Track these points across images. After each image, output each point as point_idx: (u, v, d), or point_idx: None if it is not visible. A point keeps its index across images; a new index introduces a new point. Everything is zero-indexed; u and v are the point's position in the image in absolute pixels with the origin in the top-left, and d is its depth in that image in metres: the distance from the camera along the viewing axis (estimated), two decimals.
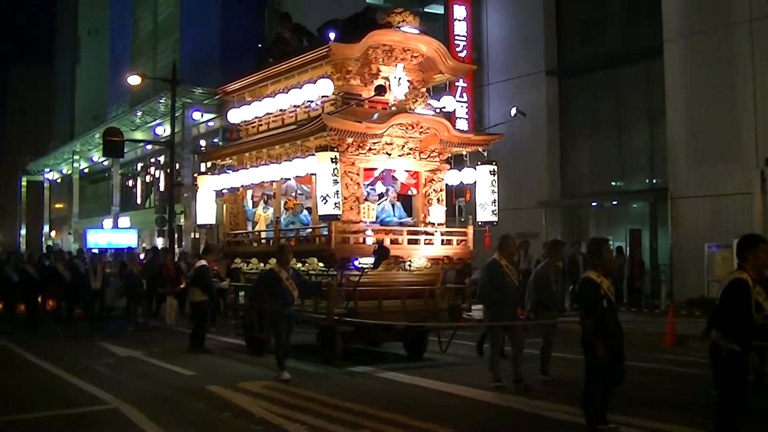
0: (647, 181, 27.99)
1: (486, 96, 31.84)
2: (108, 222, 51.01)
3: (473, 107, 30.50)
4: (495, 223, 14.63)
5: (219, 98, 40.08)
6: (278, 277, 12.59)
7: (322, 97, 14.00)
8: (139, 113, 44.79)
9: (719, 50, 23.36)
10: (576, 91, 29.95)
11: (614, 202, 29.18)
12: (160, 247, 31.87)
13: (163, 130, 42.83)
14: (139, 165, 53.65)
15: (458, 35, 30.50)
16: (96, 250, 30.10)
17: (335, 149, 13.15)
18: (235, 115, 16.22)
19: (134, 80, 35.46)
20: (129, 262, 21.16)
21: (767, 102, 22.20)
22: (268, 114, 15.46)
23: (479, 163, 14.74)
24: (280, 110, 15.07)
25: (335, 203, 13.03)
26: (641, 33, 27.24)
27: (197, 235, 43.08)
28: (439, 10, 33.68)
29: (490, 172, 14.62)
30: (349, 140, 13.57)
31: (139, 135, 45.41)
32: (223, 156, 16.42)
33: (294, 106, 14.66)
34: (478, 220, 14.66)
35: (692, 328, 17.10)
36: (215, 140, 42.74)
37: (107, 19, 64.88)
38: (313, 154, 13.41)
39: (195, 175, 41.56)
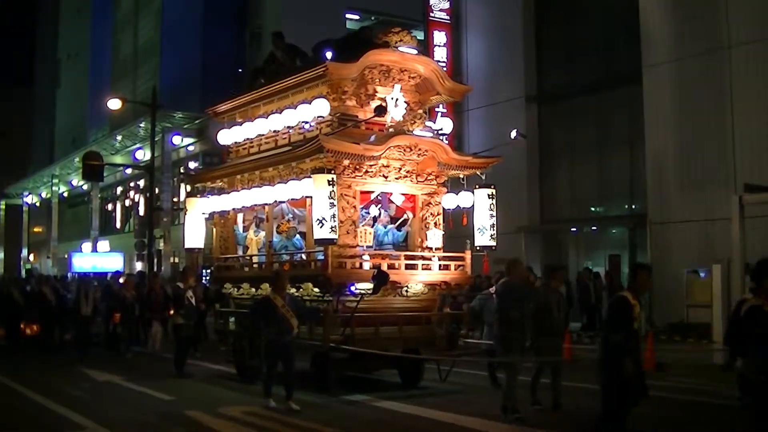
0: (626, 206, 27.62)
1: (466, 121, 31.32)
2: (87, 246, 49.82)
3: (453, 132, 29.89)
4: (494, 248, 13.96)
5: (199, 122, 39.61)
6: (273, 304, 11.78)
7: (318, 117, 13.29)
8: (119, 137, 43.89)
9: (698, 77, 23.06)
10: (555, 116, 29.50)
11: (593, 228, 28.77)
12: (138, 271, 30.96)
13: (143, 154, 42.01)
14: (119, 189, 52.59)
15: (438, 61, 29.94)
16: (75, 275, 28.79)
17: (332, 171, 12.43)
18: (225, 137, 15.42)
19: (114, 104, 34.71)
20: (124, 286, 20.16)
21: (746, 128, 21.87)
22: (260, 135, 14.71)
23: (477, 186, 14.06)
24: (273, 131, 14.33)
25: (332, 227, 12.31)
26: (620, 59, 26.88)
27: (177, 260, 42.20)
28: (419, 35, 33.19)
29: (488, 195, 13.98)
30: (346, 162, 12.90)
31: (118, 159, 44.46)
32: (213, 178, 15.63)
33: (288, 127, 13.93)
34: (476, 244, 13.96)
35: (672, 354, 16.78)
36: (195, 164, 41.99)
37: (87, 42, 63.74)
38: (309, 176, 12.72)
39: (174, 199, 41.80)
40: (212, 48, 43.54)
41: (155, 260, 30.73)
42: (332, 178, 12.36)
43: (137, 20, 53.82)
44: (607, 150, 27.71)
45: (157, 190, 36.19)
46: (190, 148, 41.99)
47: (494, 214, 13.98)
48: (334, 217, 12.32)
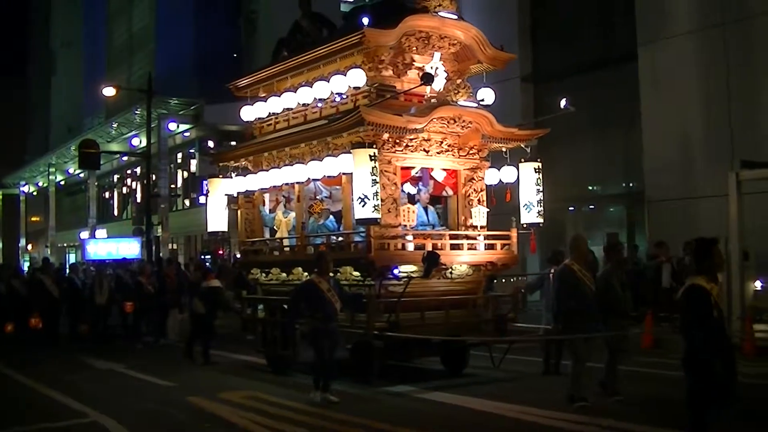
0: (624, 185, 26.37)
1: None
2: (85, 234, 47.76)
3: None
4: (540, 225, 12.43)
5: (195, 108, 37.82)
6: (319, 288, 10.32)
7: (353, 89, 11.63)
8: (115, 125, 41.98)
9: (694, 55, 21.74)
10: (552, 96, 27.80)
11: (591, 207, 27.46)
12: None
13: (139, 141, 40.36)
14: (116, 176, 50.75)
15: None
16: (88, 262, 26.75)
17: (373, 145, 10.81)
18: (248, 113, 13.67)
19: (109, 92, 32.89)
20: (139, 274, 18.26)
21: (742, 105, 20.55)
22: (287, 110, 13.00)
23: (522, 160, 12.51)
24: (303, 105, 12.63)
25: (374, 206, 10.72)
26: (616, 38, 25.52)
27: (175, 246, 40.55)
28: None
29: (535, 169, 12.44)
30: (385, 136, 11.31)
31: (115, 146, 42.58)
32: (238, 157, 13.82)
33: (319, 100, 12.24)
34: (522, 221, 12.41)
35: (670, 331, 15.54)
36: (191, 150, 40.29)
37: (81, 30, 61.44)
38: (348, 152, 11.15)
39: (171, 186, 40.03)
40: (207, 34, 41.79)
41: (153, 247, 29.06)
42: (374, 153, 10.80)
43: (131, 7, 51.81)
44: (604, 128, 26.34)
45: (153, 177, 34.54)
46: (186, 134, 40.21)
47: (541, 189, 12.49)
48: (376, 195, 10.77)
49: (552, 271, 11.49)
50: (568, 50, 27.38)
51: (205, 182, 35.19)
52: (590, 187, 27.62)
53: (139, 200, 43.95)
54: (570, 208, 27.72)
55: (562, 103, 12.38)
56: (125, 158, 44.65)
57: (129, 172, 48.23)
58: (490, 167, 12.61)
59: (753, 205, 17.43)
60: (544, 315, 12.19)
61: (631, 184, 25.65)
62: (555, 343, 11.49)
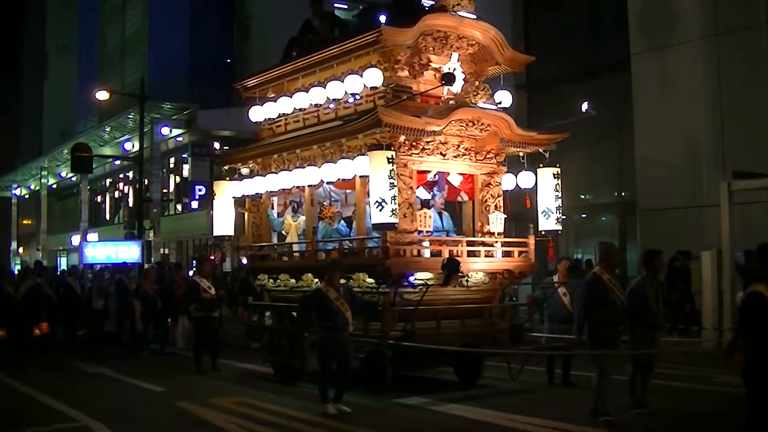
0: (616, 194, 25.89)
1: None
2: (76, 238, 46.75)
3: None
4: (559, 233, 11.81)
5: (188, 113, 37.08)
6: (326, 297, 9.63)
7: (369, 89, 10.95)
8: (108, 129, 41.18)
9: (686, 64, 21.33)
10: (545, 105, 27.47)
11: (583, 216, 26.90)
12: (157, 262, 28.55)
13: (132, 146, 39.68)
14: (108, 181, 49.75)
15: None
16: (80, 267, 25.74)
17: (391, 147, 10.13)
18: (257, 113, 12.93)
19: (102, 96, 32.29)
20: (144, 279, 17.39)
21: (733, 115, 20.16)
22: (298, 110, 12.28)
23: (540, 165, 11.88)
24: (315, 106, 11.90)
25: (392, 210, 10.02)
26: (609, 47, 25.07)
27: (167, 251, 39.72)
28: None
29: (554, 175, 11.83)
30: (402, 138, 10.62)
31: (107, 150, 41.76)
32: (246, 159, 13.06)
33: (332, 101, 11.55)
34: (540, 228, 11.81)
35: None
36: (184, 155, 39.47)
37: (75, 34, 60.24)
38: (363, 154, 10.52)
39: (163, 190, 39.19)
40: (200, 39, 41.07)
41: (145, 252, 28.24)
42: (392, 156, 10.16)
43: (125, 11, 50.82)
44: (597, 137, 25.78)
45: (146, 182, 33.87)
46: (179, 138, 39.43)
47: (560, 195, 11.91)
48: (394, 199, 10.09)
49: (555, 280, 11.21)
50: (562, 59, 26.93)
51: (197, 187, 34.93)
52: (582, 196, 27.03)
53: (131, 204, 43.09)
54: (562, 217, 27.14)
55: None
56: (118, 162, 43.84)
57: (121, 176, 47.31)
58: (506, 172, 11.98)
59: (746, 215, 17.00)
60: (547, 324, 11.65)
61: (623, 193, 25.24)
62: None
